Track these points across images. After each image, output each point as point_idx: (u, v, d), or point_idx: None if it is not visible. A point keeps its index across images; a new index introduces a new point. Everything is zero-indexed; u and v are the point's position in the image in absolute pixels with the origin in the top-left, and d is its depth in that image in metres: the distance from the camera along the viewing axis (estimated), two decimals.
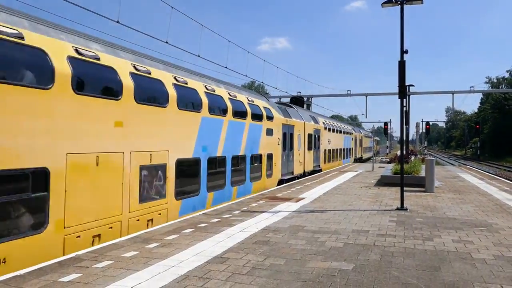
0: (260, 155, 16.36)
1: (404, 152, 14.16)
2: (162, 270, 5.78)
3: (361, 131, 57.14)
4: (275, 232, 8.22)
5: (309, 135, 24.29)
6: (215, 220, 9.49)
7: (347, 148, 39.90)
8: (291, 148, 20.55)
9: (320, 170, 26.51)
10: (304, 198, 13.19)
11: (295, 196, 13.54)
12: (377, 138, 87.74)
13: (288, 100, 33.03)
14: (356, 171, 25.76)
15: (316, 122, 26.64)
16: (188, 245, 7.21)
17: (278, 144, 18.37)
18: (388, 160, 42.00)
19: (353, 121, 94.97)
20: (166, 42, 15.69)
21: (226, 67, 22.34)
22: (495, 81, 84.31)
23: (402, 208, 11.09)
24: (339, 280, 5.41)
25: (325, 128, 29.19)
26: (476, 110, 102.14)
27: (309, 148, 24.30)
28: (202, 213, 10.50)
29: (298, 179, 20.57)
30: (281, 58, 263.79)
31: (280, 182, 18.65)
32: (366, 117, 64.04)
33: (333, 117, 65.26)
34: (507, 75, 79.94)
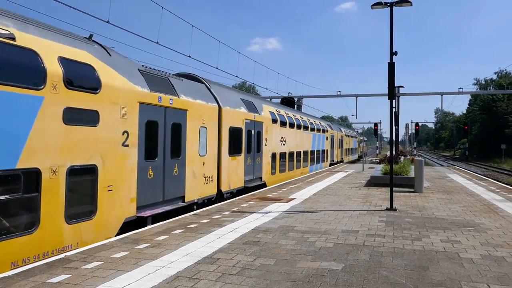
0: (27, 174, 6.85)
1: (394, 152, 14.28)
2: (152, 271, 5.77)
3: (342, 129, 48.14)
4: (265, 233, 8.24)
5: (235, 131, 14.85)
6: (205, 220, 9.48)
7: (318, 150, 30.22)
8: (178, 152, 11.32)
9: (264, 185, 17.70)
10: (294, 198, 13.23)
11: (285, 197, 13.58)
12: (364, 138, 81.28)
13: (279, 101, 33.13)
14: (346, 171, 25.90)
15: (253, 110, 16.93)
16: (178, 245, 7.20)
17: (125, 145, 9.19)
18: (378, 160, 42.34)
19: (343, 121, 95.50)
20: (157, 43, 15.65)
21: (217, 68, 22.35)
22: (483, 82, 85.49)
23: (391, 208, 11.18)
24: (328, 280, 5.44)
25: (274, 121, 19.66)
26: (464, 111, 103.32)
27: (235, 152, 14.89)
28: (192, 213, 10.49)
29: (198, 208, 11.92)
30: (272, 59, 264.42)
31: (134, 224, 9.41)
32: (356, 118, 64.55)
33: (324, 118, 64.86)
34: (495, 76, 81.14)
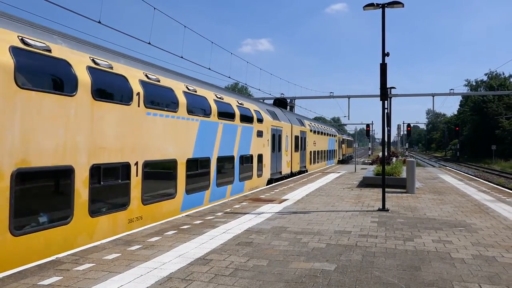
0: None
1: (386, 153, 14.35)
2: (145, 272, 5.74)
3: (306, 121, 31.11)
4: (258, 234, 8.23)
5: None
6: (198, 222, 9.46)
7: (224, 158, 14.48)
8: None
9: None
10: (287, 199, 13.24)
11: (278, 198, 13.59)
12: (346, 137, 64.94)
13: (271, 102, 33.13)
14: (338, 172, 25.98)
15: None
16: (170, 247, 7.17)
17: None
18: (370, 161, 42.54)
19: (335, 122, 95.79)
20: (149, 43, 15.58)
21: (209, 69, 22.28)
22: (474, 84, 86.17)
23: (383, 209, 11.23)
24: (321, 281, 5.45)
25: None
26: (455, 113, 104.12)
27: None
28: (185, 214, 10.46)
29: None
30: (264, 60, 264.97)
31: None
32: (348, 119, 64.41)
33: (317, 119, 64.51)
34: (485, 78, 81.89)
